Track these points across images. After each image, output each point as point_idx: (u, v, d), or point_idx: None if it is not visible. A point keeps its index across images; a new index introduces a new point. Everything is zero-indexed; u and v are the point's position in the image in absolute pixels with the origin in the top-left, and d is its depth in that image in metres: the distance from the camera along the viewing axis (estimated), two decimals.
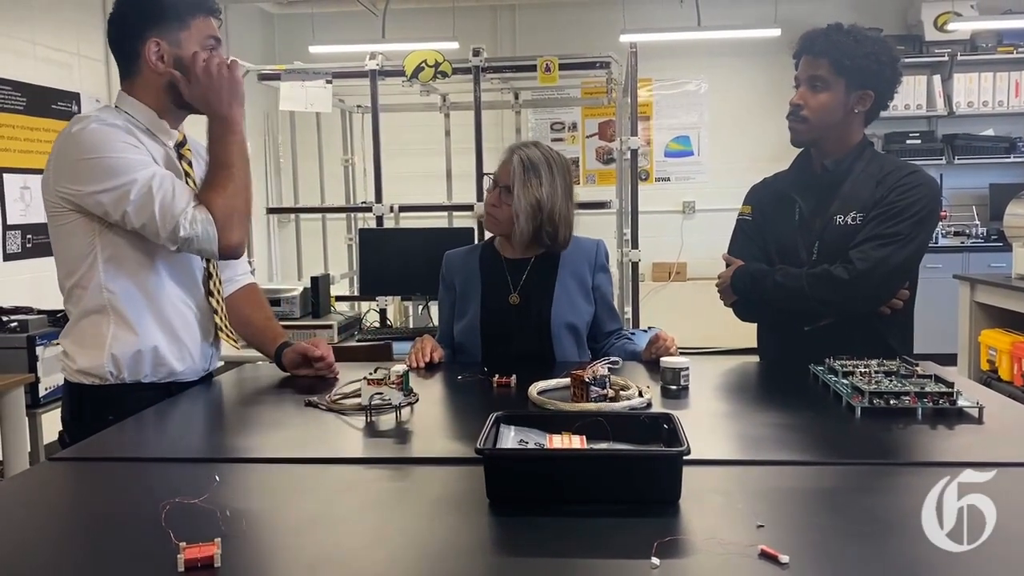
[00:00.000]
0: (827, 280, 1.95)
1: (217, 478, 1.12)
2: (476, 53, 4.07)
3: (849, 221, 2.01)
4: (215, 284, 1.86)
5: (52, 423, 2.96)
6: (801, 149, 2.14)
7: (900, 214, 1.95)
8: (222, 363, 2.00)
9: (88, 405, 1.72)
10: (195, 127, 1.85)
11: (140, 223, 1.63)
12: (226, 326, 1.88)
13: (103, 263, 1.69)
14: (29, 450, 3.06)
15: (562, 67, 4.12)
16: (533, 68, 4.13)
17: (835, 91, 2.00)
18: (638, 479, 1.09)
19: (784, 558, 0.88)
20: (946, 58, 6.28)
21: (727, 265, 2.16)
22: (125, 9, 1.74)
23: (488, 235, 2.28)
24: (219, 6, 1.78)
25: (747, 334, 2.38)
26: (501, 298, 2.14)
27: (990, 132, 6.44)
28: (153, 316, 1.73)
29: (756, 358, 2.14)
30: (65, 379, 1.76)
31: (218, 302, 1.86)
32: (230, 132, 1.72)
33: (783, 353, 2.15)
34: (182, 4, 1.72)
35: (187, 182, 1.76)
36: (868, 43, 2.00)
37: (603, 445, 1.23)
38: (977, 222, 6.28)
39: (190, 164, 1.81)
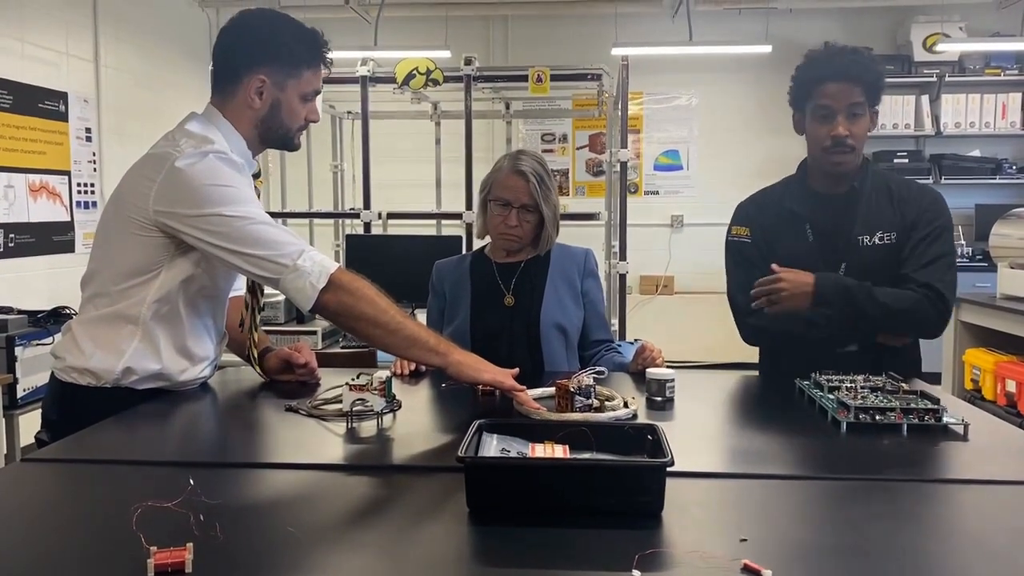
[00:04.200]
0: (937, 302, 1.91)
1: (191, 482, 1.10)
2: (468, 62, 4.07)
3: (877, 241, 2.00)
4: (254, 317, 1.84)
5: (29, 425, 2.93)
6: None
7: (942, 234, 1.97)
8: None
9: (80, 406, 1.67)
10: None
11: (248, 249, 1.58)
12: (255, 359, 1.88)
13: (160, 283, 1.65)
14: (5, 452, 3.01)
15: (554, 78, 4.13)
16: (525, 78, 4.13)
17: (866, 115, 2.00)
18: (621, 490, 1.07)
19: (767, 572, 0.87)
20: (934, 79, 6.33)
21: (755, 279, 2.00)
22: (245, 32, 1.73)
23: (477, 243, 2.29)
24: (331, 59, 1.78)
25: (733, 349, 2.37)
26: (492, 301, 2.15)
27: (977, 153, 6.49)
28: (177, 346, 1.72)
29: (742, 372, 2.13)
30: (54, 377, 1.72)
31: (251, 340, 1.86)
32: (442, 362, 1.64)
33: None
34: (301, 52, 1.72)
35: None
36: (878, 62, 2.02)
37: (586, 455, 1.21)
38: (963, 242, 6.32)
39: (258, 192, 1.81)
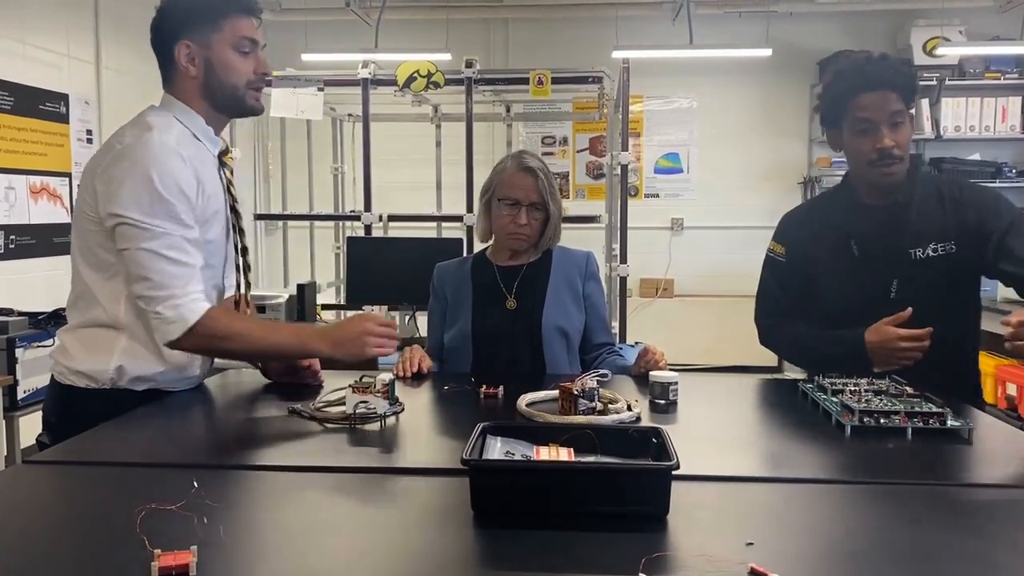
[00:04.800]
0: None
1: (195, 484, 1.09)
2: (469, 65, 4.07)
3: (931, 253, 1.89)
4: (244, 298, 1.83)
5: (30, 426, 2.92)
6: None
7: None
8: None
9: (79, 408, 1.67)
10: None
11: (134, 271, 1.59)
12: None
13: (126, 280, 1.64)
14: (5, 453, 3.01)
15: (554, 81, 4.13)
16: (525, 81, 4.13)
17: (907, 121, 1.91)
18: (627, 493, 1.07)
19: None
20: (934, 83, 6.33)
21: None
22: (161, 12, 1.72)
23: (478, 246, 2.29)
24: (258, 5, 1.73)
25: (733, 352, 2.38)
26: (494, 303, 2.15)
27: (977, 157, 6.49)
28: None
29: (744, 375, 2.13)
30: (54, 380, 1.72)
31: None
32: (304, 351, 1.76)
33: None
34: (213, 4, 1.69)
35: (229, 190, 1.75)
36: (908, 63, 1.98)
37: (591, 458, 1.21)
38: None
39: (232, 172, 1.79)
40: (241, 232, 1.81)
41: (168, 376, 1.73)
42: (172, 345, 1.62)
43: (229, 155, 1.79)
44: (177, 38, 1.68)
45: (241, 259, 1.82)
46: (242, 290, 1.82)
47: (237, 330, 1.67)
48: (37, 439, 1.74)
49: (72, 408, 1.68)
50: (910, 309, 1.81)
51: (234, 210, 1.79)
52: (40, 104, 4.46)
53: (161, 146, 1.61)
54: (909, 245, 1.91)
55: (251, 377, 1.94)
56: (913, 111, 1.95)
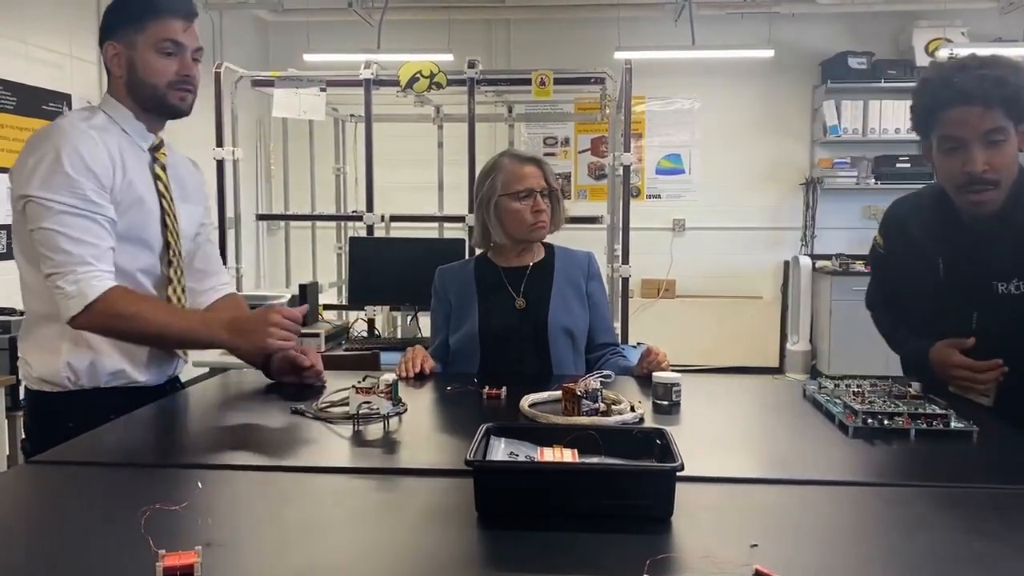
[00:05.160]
0: None
1: (200, 485, 1.09)
2: (471, 65, 4.06)
3: (1014, 290, 1.68)
4: (175, 291, 1.80)
5: None
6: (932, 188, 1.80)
7: None
8: (205, 368, 1.97)
9: (48, 413, 1.67)
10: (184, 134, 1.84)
11: (40, 249, 1.58)
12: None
13: None
14: (8, 453, 3.01)
15: (556, 82, 4.12)
16: (528, 82, 4.13)
17: (1011, 138, 1.64)
18: (631, 494, 1.07)
19: None
20: None
21: None
22: (104, 14, 1.75)
23: (479, 249, 2.30)
24: (185, 7, 1.74)
25: (734, 353, 2.38)
26: (500, 305, 2.16)
27: None
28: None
29: (746, 376, 2.12)
30: (25, 386, 1.71)
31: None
32: (210, 339, 1.72)
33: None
34: (138, 6, 1.71)
35: (156, 184, 1.74)
36: (1018, 69, 1.64)
37: (595, 459, 1.21)
38: None
39: (163, 168, 1.78)
40: (174, 222, 1.78)
41: (134, 370, 1.71)
42: (74, 323, 1.59)
43: (162, 151, 1.79)
44: (106, 41, 1.72)
45: (170, 250, 1.78)
46: (173, 283, 1.79)
47: (140, 311, 1.63)
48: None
49: (43, 414, 1.68)
50: (972, 340, 1.69)
51: (164, 199, 1.76)
52: (43, 104, 4.46)
53: (72, 126, 1.64)
54: (994, 278, 1.70)
55: (254, 377, 1.94)
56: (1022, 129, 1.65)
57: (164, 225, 1.75)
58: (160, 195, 1.75)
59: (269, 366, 1.91)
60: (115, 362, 1.70)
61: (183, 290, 1.83)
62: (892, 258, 1.91)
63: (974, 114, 1.62)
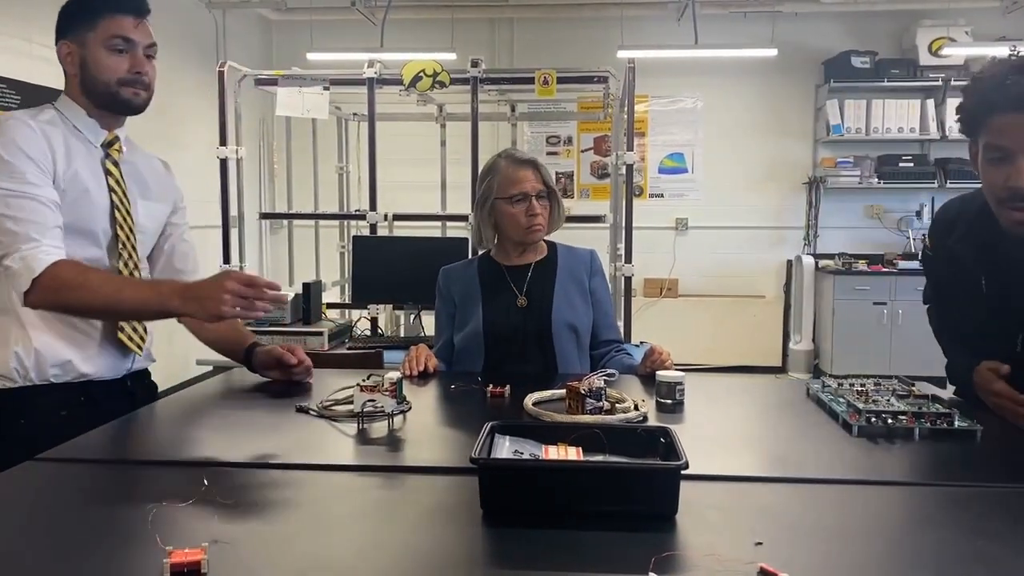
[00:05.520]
0: None
1: (206, 482, 1.10)
2: (474, 64, 4.06)
3: None
4: None
5: None
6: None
7: None
8: (209, 367, 1.95)
9: (4, 411, 1.64)
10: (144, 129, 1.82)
11: None
12: (131, 328, 1.78)
13: None
14: None
15: (559, 81, 4.11)
16: (531, 81, 4.12)
17: None
18: (636, 492, 1.07)
19: None
20: (940, 83, 6.33)
21: None
22: (58, 14, 1.75)
23: (480, 248, 2.31)
24: (136, 4, 1.74)
25: (736, 352, 2.38)
26: (505, 303, 2.17)
27: None
28: (62, 330, 1.67)
29: (748, 375, 2.13)
30: None
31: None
32: (161, 307, 1.61)
33: None
34: (89, 4, 1.72)
35: (107, 180, 1.74)
36: None
37: (599, 458, 1.21)
38: None
39: (115, 164, 1.77)
40: (126, 216, 1.77)
41: (82, 363, 1.69)
42: (26, 300, 1.57)
43: (116, 147, 1.79)
44: (60, 40, 1.74)
45: (119, 243, 1.76)
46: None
47: (88, 280, 1.60)
48: None
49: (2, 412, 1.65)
50: (1008, 368, 1.59)
51: (115, 194, 1.75)
52: (47, 102, 4.46)
53: (15, 120, 1.65)
54: None
55: (256, 376, 1.95)
56: None
57: (114, 218, 1.74)
58: (111, 189, 1.74)
59: (252, 361, 1.91)
60: (60, 352, 1.67)
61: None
62: (939, 261, 1.79)
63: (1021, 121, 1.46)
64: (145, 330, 1.83)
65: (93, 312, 1.66)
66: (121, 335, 1.77)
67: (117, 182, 1.76)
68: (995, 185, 1.52)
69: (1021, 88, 1.45)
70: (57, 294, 1.58)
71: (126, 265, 1.77)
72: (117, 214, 1.74)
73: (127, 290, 1.64)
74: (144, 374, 1.89)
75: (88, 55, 1.71)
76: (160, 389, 1.95)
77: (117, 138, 1.80)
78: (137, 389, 1.84)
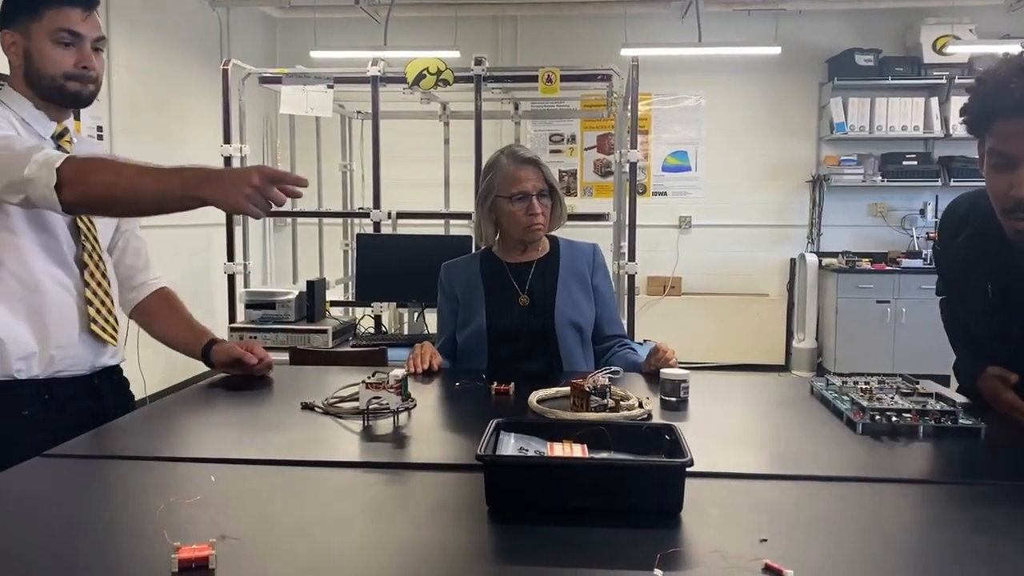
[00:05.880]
0: None
1: (213, 479, 1.11)
2: (478, 62, 4.07)
3: None
4: (92, 276, 1.73)
5: None
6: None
7: None
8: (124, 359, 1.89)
9: None
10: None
11: None
12: (103, 319, 1.73)
13: None
14: None
15: (563, 79, 4.12)
16: (534, 79, 4.12)
17: None
18: (641, 489, 1.07)
19: (789, 573, 0.87)
20: (944, 81, 6.32)
21: None
22: (3, 2, 1.72)
23: (482, 244, 2.31)
24: None
25: (739, 350, 2.38)
26: (507, 301, 2.17)
27: None
28: (7, 301, 1.60)
29: (752, 373, 2.13)
30: None
31: (95, 293, 1.73)
32: (185, 193, 1.48)
33: None
34: None
35: None
36: None
37: (604, 455, 1.22)
38: None
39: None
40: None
41: (51, 352, 1.64)
42: (62, 198, 1.47)
43: (66, 138, 1.75)
44: (3, 27, 1.69)
45: (81, 235, 1.73)
46: (90, 267, 1.73)
47: (109, 162, 1.54)
48: None
49: None
50: (1015, 377, 1.55)
51: None
52: None
53: None
54: None
55: (262, 374, 1.95)
56: None
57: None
58: None
59: (209, 355, 1.91)
60: (24, 341, 1.62)
61: (103, 275, 1.76)
62: (948, 261, 1.75)
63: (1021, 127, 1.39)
64: (116, 321, 1.79)
65: (117, 202, 1.53)
66: (94, 326, 1.71)
67: None
68: (999, 193, 1.48)
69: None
70: (82, 179, 1.48)
71: (91, 257, 1.73)
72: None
73: (148, 175, 1.50)
74: (113, 370, 1.83)
75: (33, 47, 1.67)
76: (163, 387, 1.95)
77: (67, 130, 1.76)
78: (104, 387, 1.78)
